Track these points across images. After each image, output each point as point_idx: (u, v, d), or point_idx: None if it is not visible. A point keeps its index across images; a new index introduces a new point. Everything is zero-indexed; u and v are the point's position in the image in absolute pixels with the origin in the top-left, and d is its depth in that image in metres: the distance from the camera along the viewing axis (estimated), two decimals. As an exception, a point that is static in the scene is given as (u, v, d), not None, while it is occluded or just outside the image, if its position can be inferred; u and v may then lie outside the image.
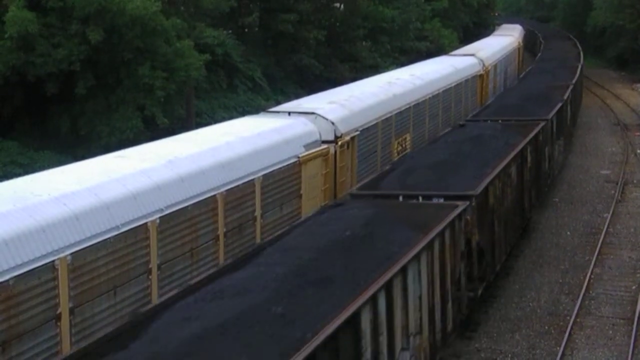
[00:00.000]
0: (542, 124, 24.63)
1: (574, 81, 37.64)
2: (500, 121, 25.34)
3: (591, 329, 17.02)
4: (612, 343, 16.32)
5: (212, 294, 10.32)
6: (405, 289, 11.88)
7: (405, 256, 12.00)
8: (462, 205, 14.98)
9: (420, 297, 12.52)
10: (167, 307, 10.14)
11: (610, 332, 16.84)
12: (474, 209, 15.61)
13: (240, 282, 10.67)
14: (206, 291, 10.52)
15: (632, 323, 17.02)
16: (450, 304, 14.11)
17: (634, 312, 17.57)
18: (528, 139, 22.07)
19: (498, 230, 18.06)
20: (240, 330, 9.08)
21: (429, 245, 12.96)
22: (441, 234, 13.58)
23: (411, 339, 12.12)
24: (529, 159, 22.07)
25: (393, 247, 12.43)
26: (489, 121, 25.65)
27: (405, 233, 13.12)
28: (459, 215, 14.67)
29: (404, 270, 11.79)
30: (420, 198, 15.85)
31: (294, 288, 10.37)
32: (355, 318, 10.02)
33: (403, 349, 11.77)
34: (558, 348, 15.99)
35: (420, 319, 12.57)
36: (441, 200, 15.63)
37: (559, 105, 29.24)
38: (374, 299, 10.66)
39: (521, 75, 47.53)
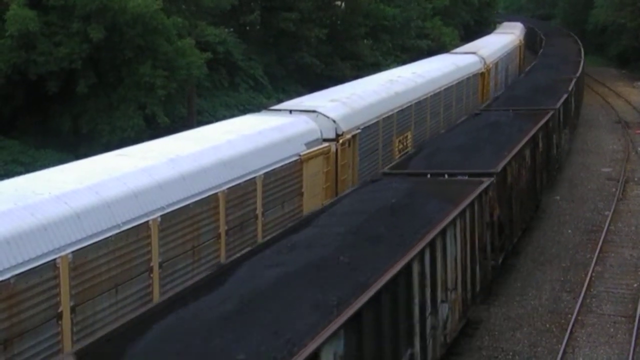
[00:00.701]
0: (551, 112, 26.38)
1: (577, 75, 39.45)
2: (511, 110, 26.70)
3: (592, 327, 17.02)
4: (614, 341, 16.32)
5: (287, 247, 12.26)
6: (444, 250, 13.64)
7: (444, 220, 13.78)
8: (487, 181, 16.80)
9: (455, 259, 14.33)
10: (248, 258, 11.99)
11: (612, 330, 16.84)
12: (495, 185, 17.22)
13: (307, 238, 12.65)
14: (281, 245, 12.46)
15: (634, 321, 17.01)
16: (478, 268, 15.92)
17: (635, 310, 17.58)
18: (539, 125, 23.78)
19: (515, 206, 19.75)
20: (315, 275, 10.86)
21: (462, 214, 14.73)
22: (471, 204, 15.37)
23: (449, 293, 13.90)
24: (540, 144, 23.81)
25: (431, 214, 14.25)
26: (501, 110, 27.24)
27: (440, 204, 14.95)
28: (485, 190, 16.44)
29: (443, 233, 13.58)
30: (446, 175, 17.65)
31: (353, 243, 12.24)
32: (408, 269, 11.85)
33: (442, 301, 13.54)
34: (559, 346, 16.00)
35: (456, 277, 14.38)
36: (465, 178, 17.36)
37: (565, 96, 30.91)
38: (421, 255, 12.45)
39: (526, 70, 48.88)
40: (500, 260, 18.16)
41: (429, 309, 12.79)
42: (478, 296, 16.13)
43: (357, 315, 9.96)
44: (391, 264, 11.51)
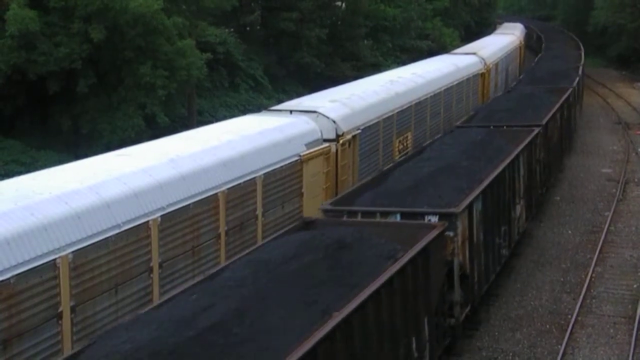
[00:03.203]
0: (571, 89, 33.74)
1: (581, 63, 46.78)
2: (540, 87, 33.81)
3: (592, 327, 17.02)
4: (613, 342, 16.32)
5: (424, 159, 19.57)
6: (518, 169, 20.29)
7: (517, 149, 20.35)
8: (537, 129, 23.37)
9: (523, 177, 20.90)
10: (400, 165, 19.14)
11: (612, 330, 16.84)
12: (541, 134, 23.53)
13: (433, 155, 19.83)
14: (418, 159, 19.70)
15: (633, 322, 17.01)
16: (532, 190, 22.34)
17: (635, 310, 17.58)
18: (565, 97, 31.01)
19: (551, 155, 26.24)
20: (449, 171, 17.84)
21: (526, 147, 21.16)
22: (529, 144, 21.78)
23: (520, 199, 20.51)
24: (565, 111, 30.80)
25: (504, 147, 20.63)
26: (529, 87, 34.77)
27: (507, 142, 21.25)
28: (537, 135, 22.95)
29: (517, 157, 20.14)
30: (505, 127, 24.00)
31: (465, 158, 19.20)
32: (503, 172, 18.41)
33: (517, 203, 20.14)
34: (559, 347, 15.99)
35: (523, 190, 20.93)
36: (520, 128, 23.50)
37: (578, 78, 38.57)
38: (509, 166, 18.99)
39: (535, 60, 54.27)
40: (544, 191, 25.12)
41: (512, 204, 19.35)
42: (534, 209, 23.02)
43: (485, 191, 16.53)
44: (494, 167, 18.22)
